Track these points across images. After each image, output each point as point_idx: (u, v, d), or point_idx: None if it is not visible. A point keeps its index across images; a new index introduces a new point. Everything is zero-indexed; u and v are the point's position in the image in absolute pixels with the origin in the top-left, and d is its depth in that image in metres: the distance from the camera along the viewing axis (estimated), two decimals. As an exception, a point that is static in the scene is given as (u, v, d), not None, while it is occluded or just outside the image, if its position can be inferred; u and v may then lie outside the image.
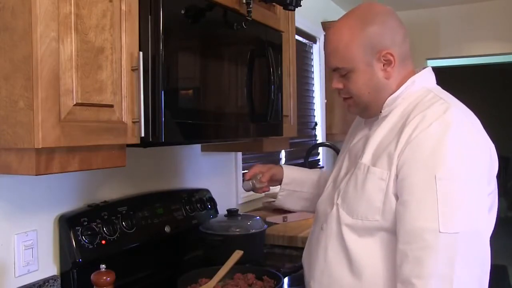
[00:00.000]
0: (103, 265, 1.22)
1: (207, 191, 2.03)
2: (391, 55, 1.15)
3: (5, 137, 0.97)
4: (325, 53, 1.25)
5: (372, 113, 1.24)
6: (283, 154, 3.15)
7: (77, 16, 1.01)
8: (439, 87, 1.23)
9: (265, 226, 1.89)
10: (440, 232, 1.00)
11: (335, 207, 1.22)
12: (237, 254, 1.55)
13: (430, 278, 1.00)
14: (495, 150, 1.17)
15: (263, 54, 1.62)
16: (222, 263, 1.52)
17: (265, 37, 1.68)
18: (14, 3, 0.95)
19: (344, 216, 1.18)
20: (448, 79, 7.78)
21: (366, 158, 1.17)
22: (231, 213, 1.86)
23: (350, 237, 1.17)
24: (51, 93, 0.95)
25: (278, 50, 1.76)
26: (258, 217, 1.92)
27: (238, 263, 1.54)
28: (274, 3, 1.64)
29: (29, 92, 0.93)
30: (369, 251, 1.14)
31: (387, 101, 1.19)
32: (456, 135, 1.05)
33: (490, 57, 4.58)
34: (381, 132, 1.17)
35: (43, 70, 0.93)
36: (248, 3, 1.47)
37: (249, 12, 1.48)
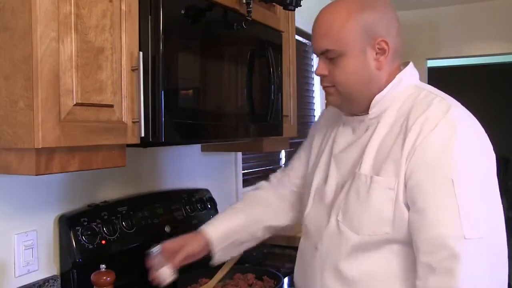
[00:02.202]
0: (103, 265, 1.22)
1: (207, 191, 2.03)
2: (386, 44, 1.08)
3: (5, 137, 0.97)
4: (313, 35, 1.13)
5: (354, 107, 1.15)
6: (283, 154, 3.15)
7: (77, 16, 1.01)
8: (423, 83, 1.18)
9: (265, 226, 1.89)
10: (465, 238, 0.94)
11: (333, 224, 1.12)
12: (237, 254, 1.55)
13: None
14: None
15: (263, 54, 1.62)
16: (222, 263, 1.52)
17: (265, 37, 1.68)
18: (14, 3, 0.95)
19: (349, 234, 1.09)
20: (448, 79, 7.77)
21: (366, 167, 1.08)
22: (231, 213, 1.86)
23: (355, 259, 1.08)
24: (51, 93, 0.95)
25: (278, 50, 1.76)
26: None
27: (238, 263, 1.54)
28: (274, 3, 1.64)
29: (29, 92, 0.93)
30: (378, 268, 1.06)
31: (374, 101, 1.12)
32: (465, 135, 1.01)
33: (490, 57, 4.58)
34: (378, 137, 1.09)
35: (43, 70, 0.93)
36: (248, 3, 1.47)
37: (249, 12, 1.48)
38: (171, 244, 1.25)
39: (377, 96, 1.11)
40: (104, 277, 1.19)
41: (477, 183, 1.00)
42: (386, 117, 1.10)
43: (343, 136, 1.20)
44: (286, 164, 3.16)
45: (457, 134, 1.00)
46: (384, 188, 1.04)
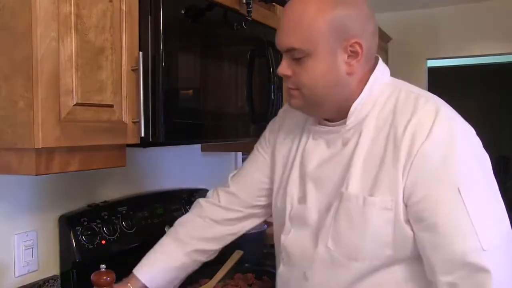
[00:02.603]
0: (103, 265, 1.22)
1: (207, 191, 2.02)
2: (360, 46, 0.95)
3: (5, 137, 0.97)
4: (278, 29, 1.01)
5: (321, 113, 1.04)
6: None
7: (77, 16, 1.01)
8: (394, 78, 1.06)
9: (265, 226, 1.89)
10: (483, 250, 0.87)
11: (323, 251, 1.02)
12: (237, 254, 1.55)
13: None
14: None
15: (263, 54, 1.62)
16: (222, 263, 1.52)
17: (265, 37, 1.68)
18: (14, 3, 0.95)
19: (346, 262, 0.99)
20: (448, 79, 7.75)
21: (354, 186, 0.96)
22: (231, 213, 1.85)
23: (359, 286, 0.99)
24: (51, 93, 0.95)
25: (278, 50, 1.76)
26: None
27: (238, 263, 1.54)
28: (274, 3, 1.64)
29: (29, 92, 0.93)
30: None
31: (352, 109, 1.00)
32: (462, 138, 0.93)
33: (490, 57, 4.58)
34: (362, 150, 0.98)
35: (43, 70, 0.93)
36: (248, 3, 1.47)
37: (249, 12, 1.48)
38: None
39: (355, 104, 1.00)
40: (104, 277, 1.19)
41: (483, 187, 0.94)
42: (367, 127, 0.99)
43: (315, 150, 1.07)
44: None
45: (455, 139, 0.92)
46: (381, 209, 0.93)
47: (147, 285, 1.17)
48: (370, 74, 1.02)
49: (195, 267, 1.26)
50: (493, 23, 4.05)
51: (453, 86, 7.34)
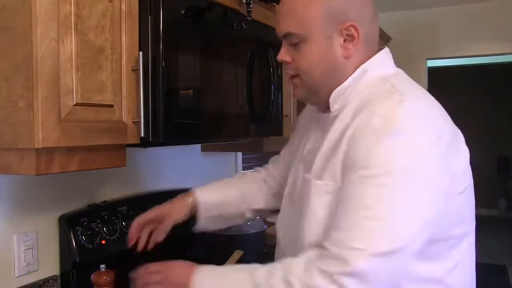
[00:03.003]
0: (103, 265, 1.22)
1: (207, 191, 2.03)
2: (356, 29, 0.95)
3: (5, 137, 0.97)
4: (277, 15, 1.03)
5: (322, 100, 1.03)
6: (283, 154, 3.15)
7: (77, 16, 1.01)
8: (399, 73, 1.02)
9: (265, 226, 1.89)
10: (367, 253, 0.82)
11: (281, 235, 1.07)
12: (237, 254, 1.56)
13: None
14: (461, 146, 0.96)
15: (263, 54, 1.62)
16: (222, 263, 1.52)
17: (265, 37, 1.68)
18: (14, 3, 0.95)
19: (294, 245, 0.98)
20: (448, 79, 7.74)
21: (313, 172, 0.97)
22: (231, 213, 1.86)
23: None
24: (51, 93, 0.95)
25: (278, 50, 1.76)
26: (258, 217, 1.91)
27: (238, 263, 1.54)
28: (274, 3, 1.64)
29: (29, 92, 0.93)
30: None
31: (333, 95, 0.99)
32: (398, 135, 0.85)
33: (490, 57, 4.58)
34: (330, 137, 0.97)
35: (43, 70, 0.93)
36: (248, 3, 1.48)
37: (249, 12, 1.48)
38: (156, 213, 1.25)
39: (335, 91, 0.98)
40: (104, 277, 1.19)
41: (391, 187, 0.84)
42: (343, 115, 0.97)
43: (313, 135, 1.08)
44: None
45: (388, 135, 0.85)
46: (322, 193, 0.93)
47: (201, 206, 1.27)
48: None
49: (243, 220, 1.37)
50: (493, 23, 4.05)
51: (453, 86, 7.35)
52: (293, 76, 1.03)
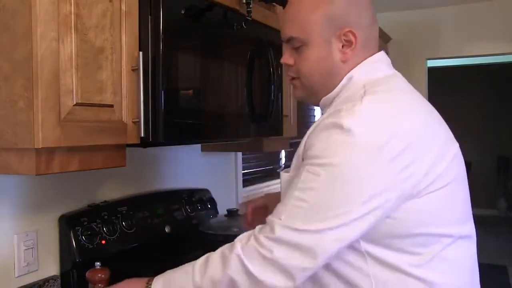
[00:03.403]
0: (98, 263, 1.22)
1: (207, 191, 2.03)
2: (354, 35, 1.00)
3: (5, 137, 0.97)
4: (281, 20, 1.11)
5: (317, 101, 1.09)
6: (283, 154, 3.15)
7: (77, 16, 1.01)
8: (389, 76, 1.04)
9: (265, 226, 1.89)
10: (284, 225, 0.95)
11: None
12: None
13: None
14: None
15: (263, 54, 1.62)
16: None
17: (265, 37, 1.68)
18: (14, 3, 0.95)
19: None
20: (448, 79, 7.74)
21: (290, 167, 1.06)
22: (231, 213, 1.86)
23: None
24: (51, 93, 0.95)
25: (278, 50, 1.76)
26: (258, 217, 1.91)
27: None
28: (274, 3, 1.64)
29: (29, 92, 0.93)
30: None
31: (321, 102, 1.06)
32: (340, 130, 0.90)
33: (490, 57, 4.58)
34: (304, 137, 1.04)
35: (43, 70, 0.93)
36: (248, 3, 1.48)
37: (249, 12, 1.48)
38: (265, 201, 1.34)
39: (324, 99, 1.06)
40: (99, 274, 1.19)
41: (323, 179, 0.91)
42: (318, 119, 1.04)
43: None
44: (286, 164, 3.17)
45: (330, 131, 0.92)
46: (285, 182, 1.03)
47: None
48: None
49: None
50: (493, 23, 4.05)
51: (453, 86, 7.35)
52: (293, 78, 1.10)
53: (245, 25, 1.48)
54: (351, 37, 1.01)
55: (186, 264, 1.04)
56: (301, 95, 1.11)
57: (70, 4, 0.99)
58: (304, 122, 3.44)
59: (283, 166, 3.14)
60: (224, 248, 0.98)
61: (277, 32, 1.78)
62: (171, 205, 1.78)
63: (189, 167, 2.04)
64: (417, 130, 0.94)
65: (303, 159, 0.97)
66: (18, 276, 1.30)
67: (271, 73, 1.62)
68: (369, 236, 0.93)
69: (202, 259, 1.01)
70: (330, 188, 0.90)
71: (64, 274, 1.40)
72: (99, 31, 1.06)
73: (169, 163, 1.92)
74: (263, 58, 1.62)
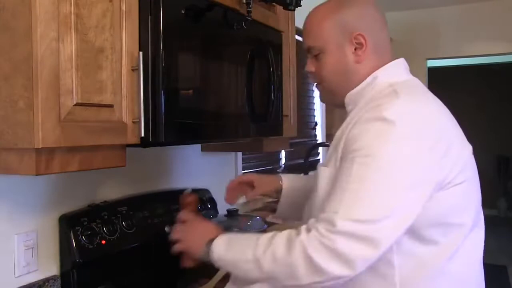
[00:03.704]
0: (190, 188, 1.42)
1: (207, 191, 2.03)
2: (363, 38, 1.12)
3: (5, 137, 0.97)
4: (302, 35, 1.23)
5: (340, 102, 1.18)
6: (283, 154, 3.15)
7: (77, 16, 1.01)
8: (410, 80, 1.15)
9: (265, 226, 1.89)
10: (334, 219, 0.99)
11: None
12: (237, 254, 1.55)
13: None
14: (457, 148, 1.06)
15: (263, 54, 1.62)
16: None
17: (265, 37, 1.68)
18: (14, 3, 0.95)
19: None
20: (448, 79, 7.75)
21: (325, 161, 1.13)
22: (231, 213, 1.86)
23: None
24: (51, 93, 0.95)
25: (278, 50, 1.76)
26: (258, 217, 1.92)
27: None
28: (274, 3, 1.64)
29: (29, 92, 0.93)
30: None
31: (347, 98, 1.15)
32: (383, 122, 0.98)
33: (490, 57, 4.58)
34: (340, 130, 1.12)
35: (43, 70, 0.93)
36: (248, 3, 1.48)
37: (249, 12, 1.48)
38: (252, 178, 1.42)
39: (349, 94, 1.14)
40: (189, 199, 1.34)
41: (372, 172, 0.97)
42: (352, 113, 1.12)
43: None
44: (285, 164, 3.17)
45: (374, 123, 0.99)
46: (325, 177, 1.08)
47: (284, 193, 1.43)
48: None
49: None
50: (493, 23, 4.05)
51: (453, 86, 7.35)
52: (317, 84, 1.22)
53: (245, 25, 1.48)
54: (362, 40, 1.12)
55: (250, 234, 1.13)
56: (326, 98, 1.23)
57: (70, 4, 0.99)
58: (304, 122, 3.44)
59: (283, 166, 3.14)
60: (291, 231, 1.02)
61: (277, 32, 1.79)
62: (171, 205, 1.78)
63: (189, 167, 2.04)
64: (444, 127, 1.05)
65: (343, 154, 1.03)
66: (18, 276, 1.30)
67: (271, 73, 1.62)
68: None
69: (267, 235, 1.06)
70: (380, 177, 0.95)
71: (64, 274, 1.40)
72: (99, 31, 1.06)
73: (169, 163, 1.92)
74: (263, 58, 1.62)
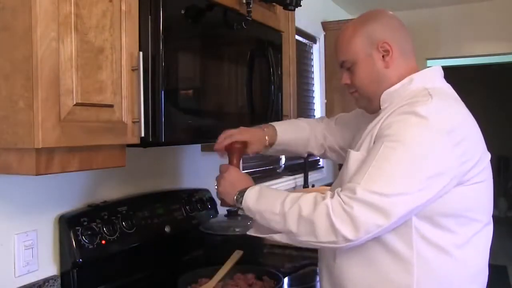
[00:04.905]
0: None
1: (207, 191, 2.03)
2: (388, 45, 1.22)
3: (5, 137, 0.97)
4: (334, 52, 1.34)
5: (375, 106, 1.27)
6: (283, 154, 3.15)
7: (77, 16, 1.01)
8: (444, 88, 1.26)
9: (265, 226, 1.88)
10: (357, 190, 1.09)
11: None
12: (237, 254, 1.56)
13: None
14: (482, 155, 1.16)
15: (263, 54, 1.62)
16: (222, 263, 1.52)
17: (265, 37, 1.68)
18: (14, 3, 0.95)
19: None
20: (448, 79, 7.72)
21: (356, 146, 1.22)
22: (231, 213, 1.86)
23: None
24: (51, 93, 0.95)
25: (278, 50, 1.76)
26: (258, 217, 1.91)
27: (238, 263, 1.54)
28: (274, 3, 1.64)
29: (29, 92, 0.93)
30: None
31: (383, 95, 1.23)
32: (415, 115, 1.09)
33: (490, 57, 4.58)
34: (374, 121, 1.21)
35: (43, 70, 0.93)
36: (248, 3, 1.48)
37: (249, 12, 1.48)
38: (243, 137, 1.41)
39: (385, 91, 1.23)
40: (237, 145, 1.36)
41: (399, 158, 1.07)
42: (385, 111, 1.21)
43: (362, 132, 1.29)
44: (285, 164, 3.17)
45: (407, 115, 1.10)
46: (355, 160, 1.16)
47: (279, 132, 1.48)
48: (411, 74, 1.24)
49: (304, 147, 1.57)
50: (493, 23, 4.05)
51: (453, 86, 7.33)
52: (352, 92, 1.31)
53: (245, 25, 1.48)
54: (388, 47, 1.22)
55: (281, 190, 1.25)
56: (362, 104, 1.31)
57: (70, 4, 0.99)
58: (304, 122, 3.44)
59: (283, 166, 3.14)
60: (317, 194, 1.13)
61: (277, 32, 1.79)
62: (171, 205, 1.78)
63: (189, 167, 2.04)
64: (471, 130, 1.16)
65: (375, 139, 1.14)
66: (18, 276, 1.30)
67: (271, 73, 1.62)
68: (421, 213, 1.10)
69: (295, 194, 1.16)
70: (403, 161, 1.06)
71: (64, 274, 1.40)
72: (99, 31, 1.06)
73: (169, 163, 1.92)
74: (263, 58, 1.62)
